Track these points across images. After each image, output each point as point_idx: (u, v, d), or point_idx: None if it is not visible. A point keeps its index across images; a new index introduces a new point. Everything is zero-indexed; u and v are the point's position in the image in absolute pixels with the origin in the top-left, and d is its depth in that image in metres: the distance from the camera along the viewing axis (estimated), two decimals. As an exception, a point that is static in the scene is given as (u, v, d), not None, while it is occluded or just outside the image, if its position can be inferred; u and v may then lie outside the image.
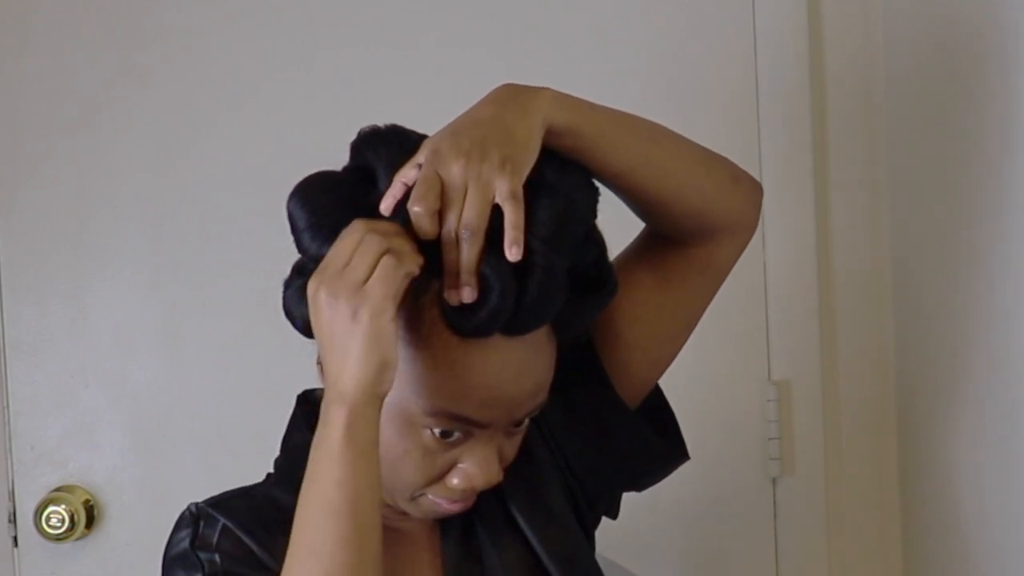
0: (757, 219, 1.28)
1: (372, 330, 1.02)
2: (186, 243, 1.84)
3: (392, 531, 1.20)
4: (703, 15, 1.80)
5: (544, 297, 1.07)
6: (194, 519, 1.17)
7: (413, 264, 1.04)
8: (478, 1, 1.82)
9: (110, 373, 1.85)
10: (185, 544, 1.16)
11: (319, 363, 1.13)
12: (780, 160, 1.79)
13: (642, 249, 1.26)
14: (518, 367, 1.09)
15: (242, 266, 1.83)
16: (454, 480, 1.13)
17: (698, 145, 1.22)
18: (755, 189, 1.27)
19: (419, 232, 1.06)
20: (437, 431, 1.10)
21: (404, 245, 1.04)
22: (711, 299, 1.29)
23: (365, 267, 1.02)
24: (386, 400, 1.08)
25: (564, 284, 1.08)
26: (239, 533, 1.15)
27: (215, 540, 1.15)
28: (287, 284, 1.17)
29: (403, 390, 1.09)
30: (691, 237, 1.24)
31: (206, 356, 1.84)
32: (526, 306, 1.06)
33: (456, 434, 1.11)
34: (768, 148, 1.79)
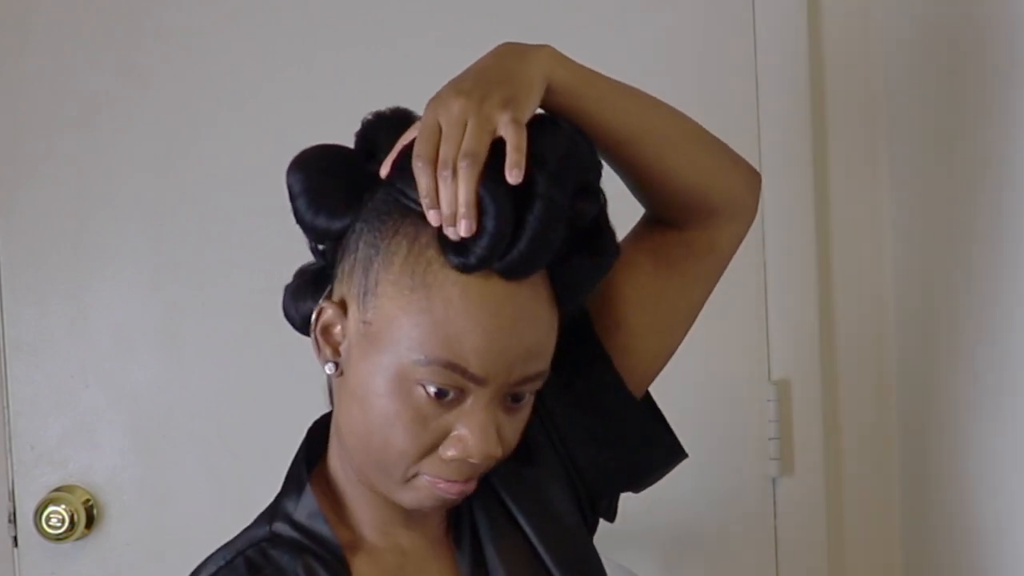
0: (756, 205, 1.27)
1: None
2: (186, 243, 1.84)
3: (398, 554, 1.17)
4: (703, 15, 1.80)
5: (543, 230, 1.05)
6: None
7: None
8: (478, 1, 1.82)
9: (110, 373, 1.85)
10: None
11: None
12: (780, 159, 1.79)
13: (641, 235, 1.25)
14: (516, 315, 1.07)
15: (242, 266, 1.83)
16: (449, 451, 1.08)
17: (695, 122, 1.21)
18: (754, 175, 1.27)
19: (421, 190, 1.05)
20: (432, 389, 1.06)
21: None
22: (711, 288, 1.28)
23: None
24: (380, 360, 1.07)
25: (564, 220, 1.06)
26: None
27: None
28: (287, 288, 1.18)
29: (399, 342, 1.06)
30: (688, 218, 1.23)
31: (206, 356, 1.84)
32: (525, 239, 1.04)
33: (451, 394, 1.07)
34: (768, 147, 1.79)
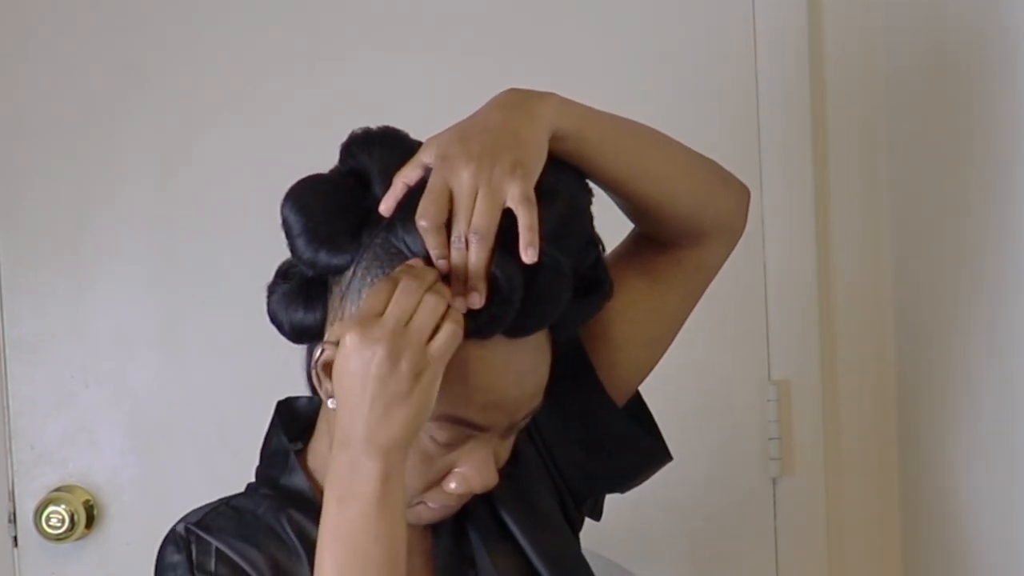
0: (745, 221, 1.29)
1: (429, 393, 1.03)
2: (186, 243, 1.84)
3: None
4: (703, 15, 1.80)
5: (551, 298, 1.07)
6: (185, 543, 1.15)
7: (462, 325, 1.04)
8: (478, 3, 1.82)
9: (110, 373, 1.85)
10: (183, 571, 1.14)
11: (309, 379, 1.13)
12: (780, 160, 1.79)
13: (632, 252, 1.26)
14: (520, 369, 1.09)
15: (242, 266, 1.82)
16: (451, 485, 1.12)
17: (689, 148, 1.22)
18: (743, 191, 1.28)
19: (428, 247, 1.05)
20: (436, 436, 1.10)
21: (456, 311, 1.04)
22: (697, 301, 1.30)
23: (430, 328, 1.02)
24: None
25: (570, 285, 1.08)
26: (234, 557, 1.14)
27: (213, 566, 1.14)
28: (271, 289, 1.16)
29: None
30: (682, 240, 1.24)
31: (206, 356, 1.84)
32: (532, 307, 1.06)
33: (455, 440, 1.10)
34: (768, 148, 1.79)
